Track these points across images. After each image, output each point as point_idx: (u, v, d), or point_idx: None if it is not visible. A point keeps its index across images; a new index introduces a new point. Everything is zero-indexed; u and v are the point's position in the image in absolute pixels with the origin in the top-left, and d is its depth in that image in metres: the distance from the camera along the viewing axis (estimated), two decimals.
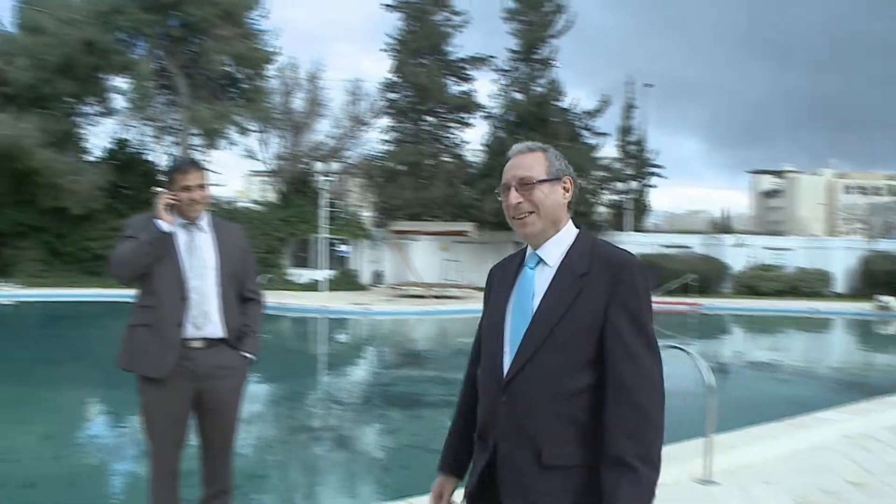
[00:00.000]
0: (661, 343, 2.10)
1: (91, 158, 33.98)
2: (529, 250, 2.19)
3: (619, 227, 39.11)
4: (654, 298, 2.07)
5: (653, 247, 36.03)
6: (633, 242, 35.35)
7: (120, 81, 33.80)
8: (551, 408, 1.97)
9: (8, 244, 31.06)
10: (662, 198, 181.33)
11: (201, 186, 3.76)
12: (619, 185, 41.18)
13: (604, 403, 1.95)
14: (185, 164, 3.83)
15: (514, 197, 2.11)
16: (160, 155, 35.92)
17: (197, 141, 34.77)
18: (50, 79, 30.47)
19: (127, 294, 3.83)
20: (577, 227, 2.19)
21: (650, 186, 43.24)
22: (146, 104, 33.08)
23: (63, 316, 22.20)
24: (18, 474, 6.43)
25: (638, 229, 40.44)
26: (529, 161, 2.14)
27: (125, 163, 34.25)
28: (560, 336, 1.98)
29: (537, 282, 2.09)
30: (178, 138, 34.68)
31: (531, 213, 2.11)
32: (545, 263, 2.11)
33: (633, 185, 41.94)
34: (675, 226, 68.46)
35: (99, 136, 58.38)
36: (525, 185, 2.11)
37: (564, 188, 2.16)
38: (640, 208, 42.46)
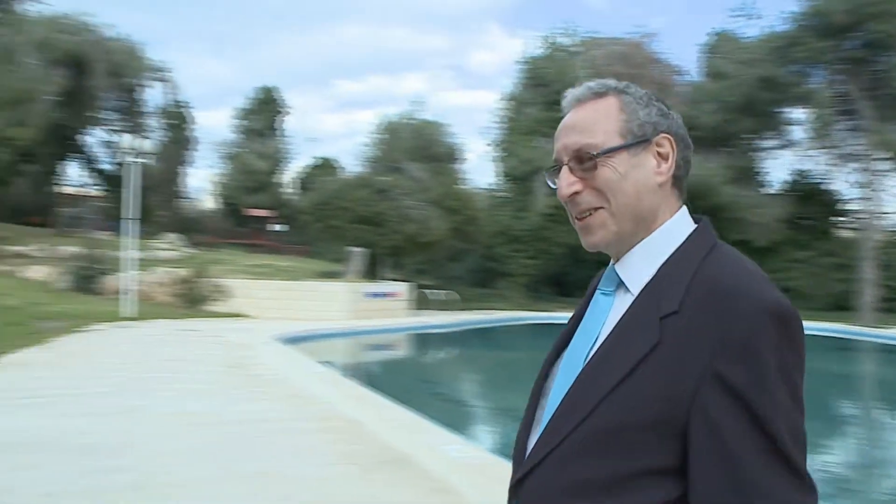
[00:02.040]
0: None
1: (771, 191, 35.33)
2: (614, 260, 1.29)
3: None
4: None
5: None
6: None
7: (798, 113, 34.51)
8: None
9: None
10: None
11: None
12: None
13: None
14: None
15: (567, 182, 1.23)
16: (840, 183, 35.11)
17: (884, 166, 32.81)
18: (732, 118, 33.10)
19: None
20: (696, 220, 1.27)
21: None
22: (826, 132, 32.76)
23: None
24: None
25: None
26: (592, 116, 1.24)
27: (805, 193, 34.73)
28: (605, 421, 1.11)
29: (609, 320, 1.22)
30: (862, 164, 33.21)
31: (598, 208, 1.22)
32: (626, 289, 1.23)
33: None
34: None
35: (777, 169, 59.47)
36: (582, 160, 1.23)
37: (660, 154, 1.24)
38: None
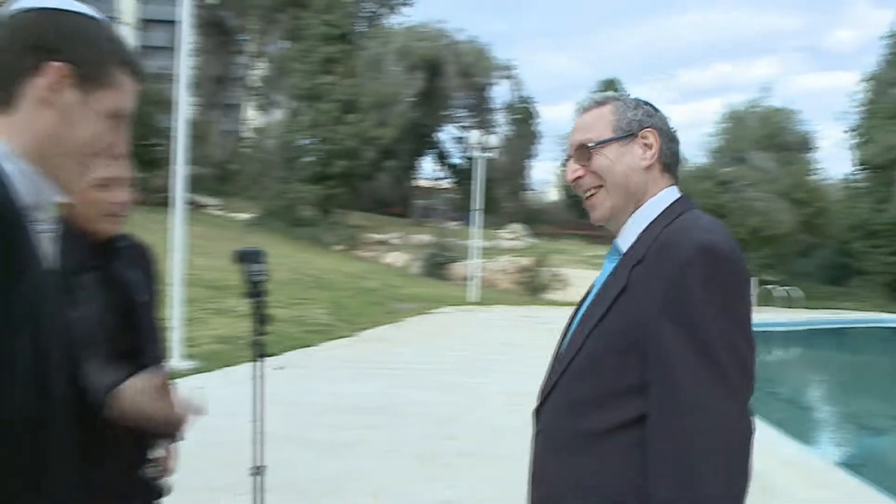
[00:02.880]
0: None
1: None
2: (615, 231, 1.62)
3: None
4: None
5: None
6: None
7: None
8: (578, 450, 1.45)
9: None
10: None
11: None
12: None
13: (645, 450, 1.36)
14: None
15: (572, 170, 1.59)
16: None
17: None
18: None
19: None
20: (681, 195, 1.57)
21: None
22: None
23: None
24: None
25: None
26: (591, 119, 1.59)
27: None
28: (592, 350, 1.45)
29: (604, 279, 1.57)
30: None
31: (598, 187, 1.56)
32: (619, 250, 1.56)
33: None
34: None
35: None
36: (582, 151, 1.57)
37: (645, 144, 1.55)
38: None
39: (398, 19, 43.47)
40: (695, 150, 37.48)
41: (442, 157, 47.26)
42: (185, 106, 10.19)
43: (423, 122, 40.82)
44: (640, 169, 1.54)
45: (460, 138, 45.10)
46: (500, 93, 53.61)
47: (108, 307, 1.82)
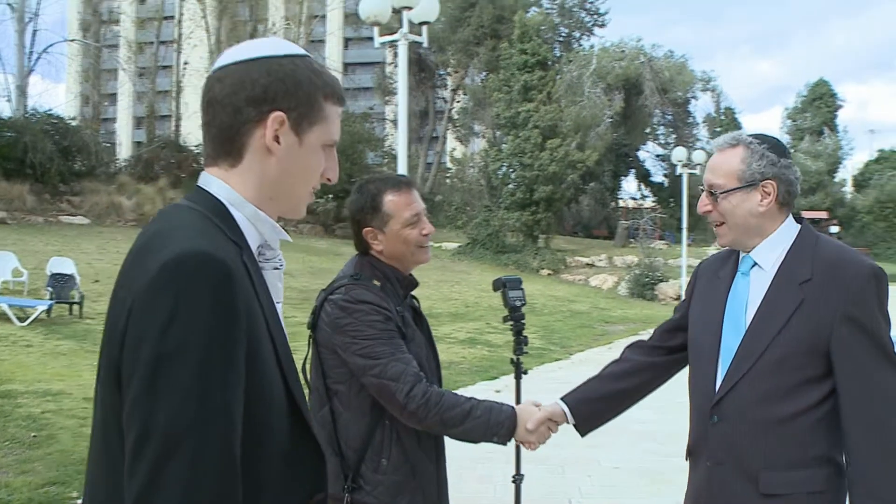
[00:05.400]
0: None
1: None
2: (742, 252, 1.98)
3: None
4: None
5: None
6: None
7: None
8: (767, 431, 1.81)
9: None
10: None
11: None
12: None
13: (841, 429, 1.78)
14: None
15: (703, 203, 1.94)
16: None
17: None
18: None
19: None
20: (798, 221, 1.94)
21: None
22: None
23: None
24: None
25: None
26: (724, 162, 1.90)
27: None
28: (777, 353, 1.79)
29: (752, 290, 1.91)
30: None
31: (722, 223, 1.93)
32: (760, 268, 1.91)
33: None
34: None
35: None
36: (712, 192, 1.91)
37: (764, 192, 1.87)
38: None
39: (593, 41, 43.54)
40: None
41: (644, 177, 46.46)
42: (403, 144, 10.98)
43: (624, 142, 40.45)
44: (757, 213, 1.87)
45: (662, 156, 44.14)
46: (701, 106, 52.06)
47: (424, 341, 2.25)
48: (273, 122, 1.19)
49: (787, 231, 1.89)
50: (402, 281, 2.29)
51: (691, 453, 2.03)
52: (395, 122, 30.20)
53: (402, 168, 10.24)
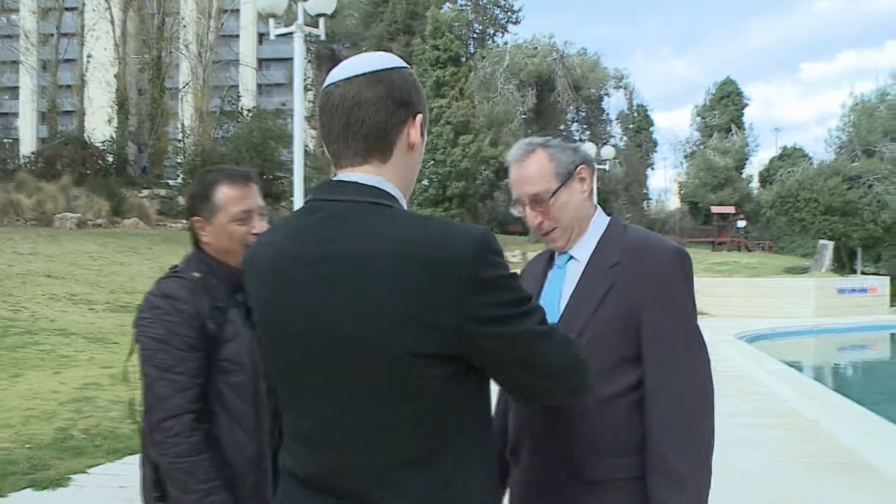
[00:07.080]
0: None
1: None
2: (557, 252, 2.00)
3: None
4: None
5: None
6: None
7: None
8: (586, 415, 1.78)
9: None
10: None
11: None
12: None
13: (645, 408, 1.78)
14: None
15: (532, 216, 1.90)
16: None
17: None
18: None
19: None
20: (608, 214, 1.96)
21: None
22: None
23: None
24: None
25: None
26: (533, 169, 1.87)
27: None
28: (591, 337, 1.76)
29: (566, 280, 1.91)
30: None
31: (555, 228, 1.90)
32: (576, 260, 1.91)
33: None
34: None
35: None
36: (539, 202, 1.87)
37: (580, 178, 1.89)
38: None
39: (507, 38, 43.93)
40: (821, 146, 35.77)
41: None
42: (300, 140, 10.81)
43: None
44: (583, 200, 1.91)
45: None
46: (615, 103, 53.11)
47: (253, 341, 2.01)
48: (416, 121, 1.38)
49: (599, 223, 1.92)
50: (232, 276, 2.10)
51: (513, 451, 1.96)
52: (308, 118, 29.72)
53: (298, 163, 10.07)
